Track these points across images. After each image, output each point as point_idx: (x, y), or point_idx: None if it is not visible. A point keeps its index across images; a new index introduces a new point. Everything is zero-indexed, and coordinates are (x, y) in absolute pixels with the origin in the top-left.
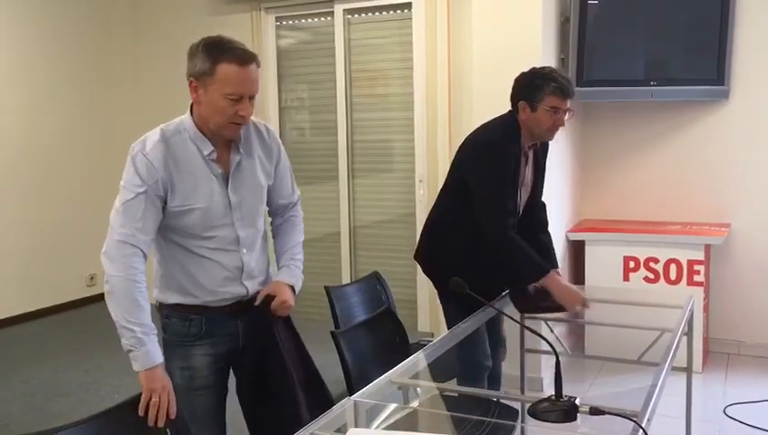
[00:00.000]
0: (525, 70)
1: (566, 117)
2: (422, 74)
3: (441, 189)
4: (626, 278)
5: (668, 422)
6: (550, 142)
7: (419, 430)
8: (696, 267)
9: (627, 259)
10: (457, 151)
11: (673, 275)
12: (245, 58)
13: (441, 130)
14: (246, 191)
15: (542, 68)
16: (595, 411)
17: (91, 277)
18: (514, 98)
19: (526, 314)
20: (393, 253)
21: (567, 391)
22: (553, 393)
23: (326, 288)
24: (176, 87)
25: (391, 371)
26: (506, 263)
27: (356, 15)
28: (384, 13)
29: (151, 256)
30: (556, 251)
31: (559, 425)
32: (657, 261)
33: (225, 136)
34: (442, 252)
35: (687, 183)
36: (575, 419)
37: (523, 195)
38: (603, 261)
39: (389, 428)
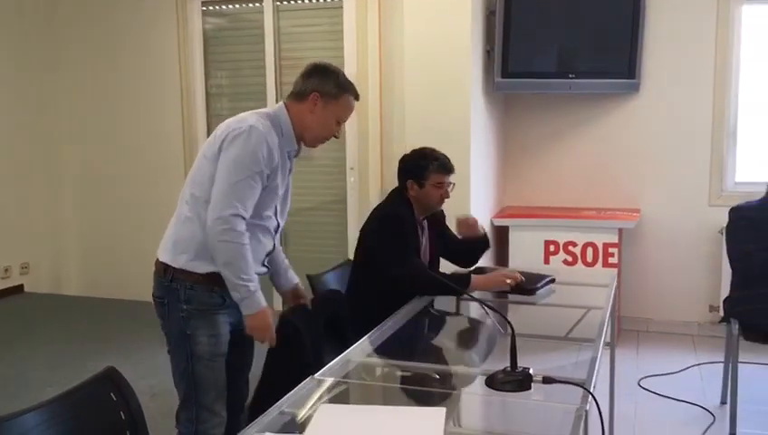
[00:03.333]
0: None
1: (450, 189)
2: (353, 64)
3: (353, 263)
4: (546, 261)
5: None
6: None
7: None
8: (611, 250)
9: (547, 243)
10: (361, 229)
11: (590, 258)
12: (358, 96)
13: (372, 120)
14: (288, 189)
15: (423, 149)
16: (548, 380)
17: (6, 269)
18: (402, 178)
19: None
20: (323, 240)
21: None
22: (509, 365)
23: (308, 277)
24: (99, 75)
25: (348, 350)
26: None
27: (285, 2)
28: (314, 0)
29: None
30: None
31: (515, 393)
32: (575, 245)
33: (309, 145)
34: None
35: (603, 171)
36: (530, 387)
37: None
38: (526, 245)
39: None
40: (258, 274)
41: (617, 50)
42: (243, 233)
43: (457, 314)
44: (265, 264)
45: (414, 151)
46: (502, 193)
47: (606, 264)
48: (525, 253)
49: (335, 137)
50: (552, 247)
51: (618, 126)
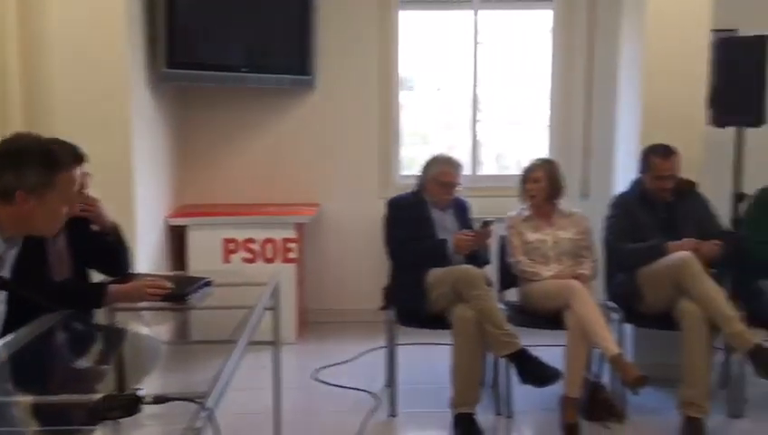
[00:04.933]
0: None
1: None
2: None
3: None
4: (226, 260)
5: (258, 395)
6: None
7: None
8: (290, 245)
9: (226, 241)
10: None
11: (270, 254)
12: (81, 157)
13: (12, 118)
14: None
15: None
16: (159, 400)
17: None
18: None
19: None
20: None
21: (176, 381)
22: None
23: None
24: None
25: None
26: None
27: None
28: None
29: None
30: (154, 238)
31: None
32: (254, 241)
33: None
34: None
35: (283, 167)
36: (139, 411)
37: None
38: (204, 245)
39: None
40: None
41: (290, 46)
42: None
43: (110, 326)
44: None
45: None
46: (179, 191)
47: (286, 259)
48: (204, 253)
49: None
50: (231, 245)
51: (296, 122)
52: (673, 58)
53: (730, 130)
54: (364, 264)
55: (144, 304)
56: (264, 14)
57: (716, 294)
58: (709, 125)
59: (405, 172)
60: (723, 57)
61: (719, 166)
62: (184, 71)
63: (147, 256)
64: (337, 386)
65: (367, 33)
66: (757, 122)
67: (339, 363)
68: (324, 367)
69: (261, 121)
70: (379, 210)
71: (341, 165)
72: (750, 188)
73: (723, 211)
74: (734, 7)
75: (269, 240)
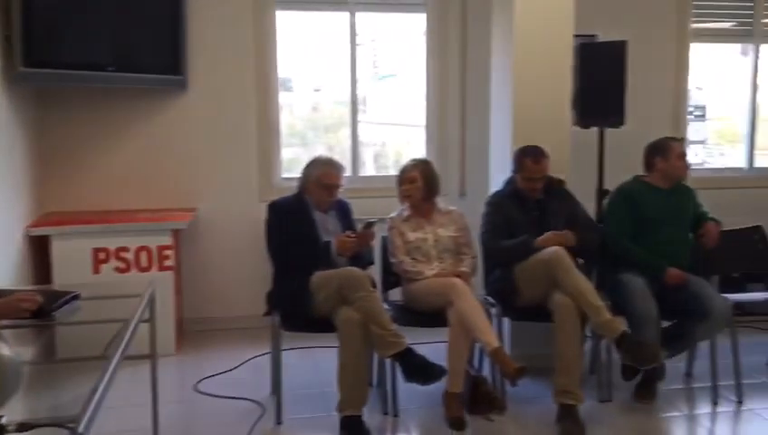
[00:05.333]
0: None
1: None
2: None
3: None
4: (96, 271)
5: (137, 412)
6: None
7: None
8: (166, 252)
9: (96, 251)
10: None
11: (144, 262)
12: None
13: None
14: None
15: None
16: (25, 427)
17: None
18: None
19: None
20: None
21: (44, 404)
22: None
23: None
24: None
25: None
26: None
27: None
28: None
29: None
30: (12, 250)
31: None
32: (127, 250)
33: None
34: None
35: (156, 170)
36: None
37: None
38: (70, 255)
39: None
40: None
41: (160, 45)
42: None
43: None
44: None
45: None
46: (42, 199)
47: (162, 267)
48: (71, 264)
49: None
50: (101, 255)
51: (169, 123)
52: (540, 62)
53: (594, 131)
54: (245, 269)
55: (4, 321)
56: (132, 10)
57: (586, 286)
58: (575, 126)
59: (286, 175)
60: (585, 61)
61: (585, 164)
62: (43, 70)
63: (4, 270)
64: (220, 397)
65: (242, 32)
66: (618, 123)
67: (221, 373)
68: (206, 378)
69: (131, 123)
70: (260, 213)
71: (219, 167)
72: (612, 184)
73: (589, 207)
74: (592, 13)
75: (143, 248)
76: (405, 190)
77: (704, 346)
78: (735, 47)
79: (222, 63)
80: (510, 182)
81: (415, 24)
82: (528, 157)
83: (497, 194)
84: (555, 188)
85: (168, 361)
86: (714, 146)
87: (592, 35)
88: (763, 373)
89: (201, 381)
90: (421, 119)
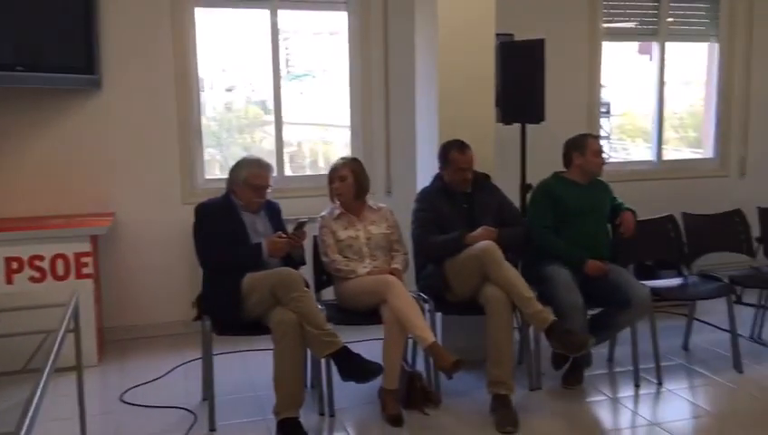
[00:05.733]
0: None
1: None
2: None
3: None
4: (9, 281)
5: (62, 427)
6: None
7: None
8: (84, 259)
9: (9, 260)
10: None
11: (61, 271)
12: None
13: None
14: None
15: None
16: None
17: None
18: None
19: None
20: None
21: None
22: None
23: None
24: None
25: None
26: None
27: None
28: None
29: None
30: None
31: None
32: (42, 258)
33: None
34: None
35: (70, 174)
36: None
37: None
38: None
39: None
40: None
41: (72, 43)
42: None
43: None
44: None
45: None
46: None
47: (80, 275)
48: None
49: None
50: (14, 264)
51: (83, 125)
52: (464, 61)
53: (516, 127)
54: (168, 275)
55: None
56: (42, 8)
57: (516, 279)
58: (498, 123)
59: (208, 176)
60: (505, 60)
61: (509, 159)
62: None
63: None
64: (149, 406)
65: (160, 29)
66: (538, 120)
67: (148, 382)
68: (131, 388)
69: (42, 125)
70: (183, 216)
71: (138, 170)
72: (535, 179)
73: (513, 201)
74: (507, 13)
75: (59, 256)
76: (336, 188)
77: (625, 332)
78: (634, 46)
79: (139, 61)
80: (438, 178)
81: (330, 23)
82: (453, 149)
83: (426, 190)
84: (482, 183)
85: (91, 372)
86: (617, 141)
87: (510, 34)
88: (679, 356)
89: (127, 391)
90: (341, 118)
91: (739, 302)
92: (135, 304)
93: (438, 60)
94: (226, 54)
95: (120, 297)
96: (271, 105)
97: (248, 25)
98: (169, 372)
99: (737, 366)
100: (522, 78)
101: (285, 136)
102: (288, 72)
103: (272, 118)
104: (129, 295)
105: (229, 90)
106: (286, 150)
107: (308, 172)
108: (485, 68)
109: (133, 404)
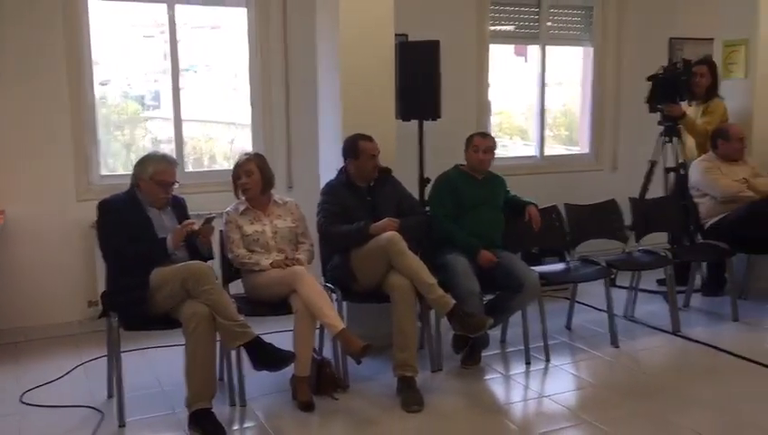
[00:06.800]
0: None
1: None
2: None
3: None
4: None
5: None
6: None
7: None
8: None
9: None
10: None
11: None
12: None
13: None
14: None
15: None
16: None
17: None
18: None
19: None
20: None
21: None
22: None
23: None
24: None
25: None
26: None
27: None
28: None
29: None
30: None
31: None
32: None
33: None
34: None
35: None
36: None
37: None
38: None
39: None
40: None
41: None
42: None
43: None
44: None
45: None
46: None
47: None
48: None
49: None
50: None
51: None
52: (365, 60)
53: (414, 124)
54: (63, 274)
55: None
56: None
57: (419, 267)
58: (398, 119)
59: (104, 172)
60: (403, 59)
61: (409, 154)
62: None
63: None
64: (52, 407)
65: (51, 21)
66: (434, 116)
67: (48, 383)
68: (32, 389)
69: None
70: (78, 214)
71: (28, 166)
72: (432, 172)
73: (412, 193)
74: (402, 14)
75: None
76: (244, 184)
77: (516, 315)
78: (511, 48)
79: (28, 54)
80: (342, 172)
81: (238, 20)
82: (361, 139)
83: (331, 184)
84: (384, 177)
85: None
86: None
87: (404, 35)
88: (563, 335)
89: (26, 392)
90: (236, 114)
91: (613, 284)
92: (27, 305)
93: (341, 58)
94: (100, 47)
95: (11, 299)
96: (149, 101)
97: (136, 18)
98: (69, 371)
99: (614, 342)
100: (418, 77)
101: (166, 133)
102: (195, 67)
103: (152, 114)
104: (21, 296)
105: (104, 84)
106: (167, 147)
107: (190, 169)
108: (386, 67)
109: (35, 405)
